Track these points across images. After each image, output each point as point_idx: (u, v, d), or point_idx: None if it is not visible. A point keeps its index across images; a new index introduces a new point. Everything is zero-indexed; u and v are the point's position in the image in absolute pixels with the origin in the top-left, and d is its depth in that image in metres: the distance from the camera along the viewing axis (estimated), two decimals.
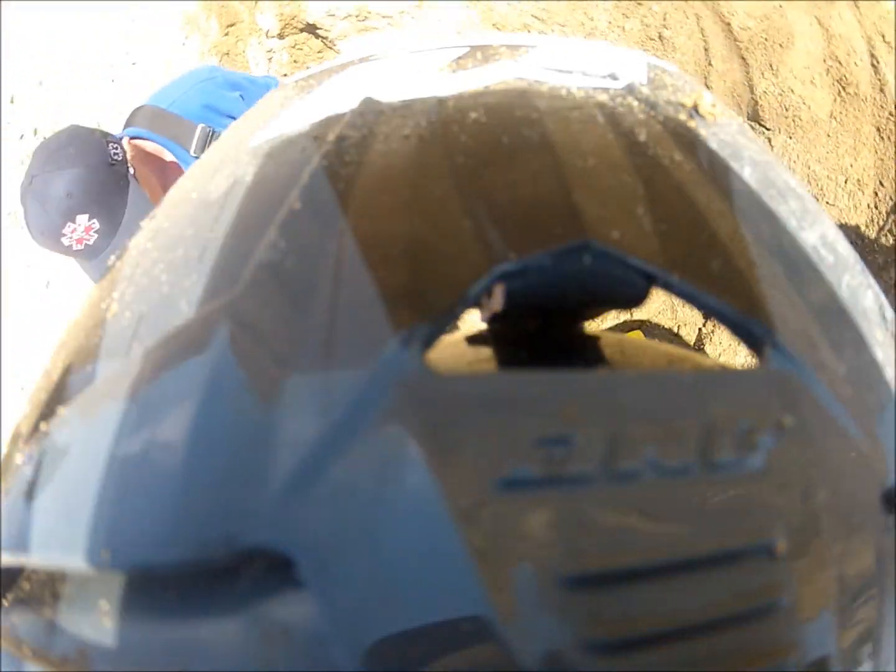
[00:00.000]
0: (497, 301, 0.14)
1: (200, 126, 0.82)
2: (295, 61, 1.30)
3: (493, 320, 0.18)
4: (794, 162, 1.22)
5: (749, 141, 0.19)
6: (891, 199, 1.19)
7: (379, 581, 0.12)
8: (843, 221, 1.20)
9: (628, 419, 0.13)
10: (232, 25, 1.28)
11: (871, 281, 0.19)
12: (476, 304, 0.14)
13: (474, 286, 0.14)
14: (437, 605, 0.12)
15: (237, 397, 0.13)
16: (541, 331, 0.19)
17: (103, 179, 0.78)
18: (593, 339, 0.21)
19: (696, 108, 0.18)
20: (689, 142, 0.17)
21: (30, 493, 0.14)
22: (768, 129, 1.23)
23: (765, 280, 0.15)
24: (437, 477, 0.12)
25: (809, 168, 1.22)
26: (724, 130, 0.18)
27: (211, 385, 0.13)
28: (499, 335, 0.20)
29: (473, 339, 0.21)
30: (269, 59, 1.31)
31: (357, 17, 1.27)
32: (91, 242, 0.78)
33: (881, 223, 1.20)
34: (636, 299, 0.16)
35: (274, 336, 0.13)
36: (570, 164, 0.15)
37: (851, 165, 1.20)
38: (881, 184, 1.19)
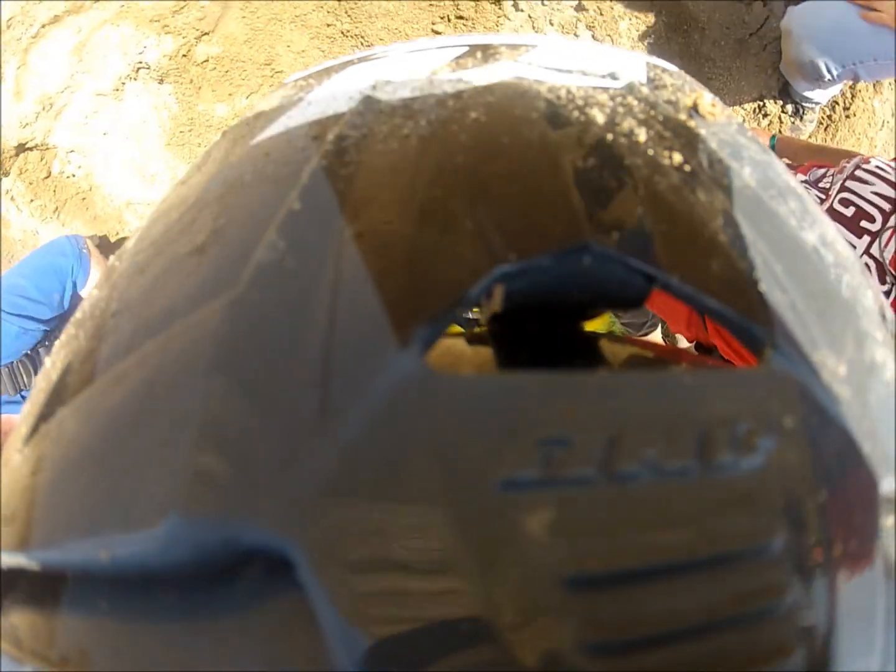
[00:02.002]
0: (497, 301, 0.14)
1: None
2: None
3: (493, 320, 0.18)
4: None
5: (749, 141, 0.19)
6: None
7: (379, 582, 0.12)
8: None
9: (627, 421, 0.13)
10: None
11: (871, 281, 0.19)
12: (476, 304, 0.14)
13: (474, 287, 0.14)
14: (438, 606, 0.12)
15: (237, 399, 0.13)
16: (541, 331, 0.19)
17: None
18: (593, 340, 0.21)
19: (695, 107, 0.18)
20: (689, 142, 0.17)
21: (29, 494, 0.14)
22: None
23: (765, 280, 0.15)
24: (438, 478, 0.12)
25: None
26: (724, 130, 0.18)
27: (210, 387, 0.13)
28: (499, 335, 0.19)
29: (473, 339, 0.21)
30: None
31: None
32: None
33: None
34: (636, 300, 0.16)
35: (273, 337, 0.13)
36: (570, 165, 0.15)
37: None
38: None
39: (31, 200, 1.21)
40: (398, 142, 0.16)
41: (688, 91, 0.19)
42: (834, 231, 0.18)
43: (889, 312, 0.18)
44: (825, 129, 1.38)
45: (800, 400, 0.14)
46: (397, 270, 0.14)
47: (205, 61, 1.18)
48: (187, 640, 0.12)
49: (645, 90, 0.18)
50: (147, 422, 0.13)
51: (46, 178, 1.21)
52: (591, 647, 0.12)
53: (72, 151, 1.21)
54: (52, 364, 0.17)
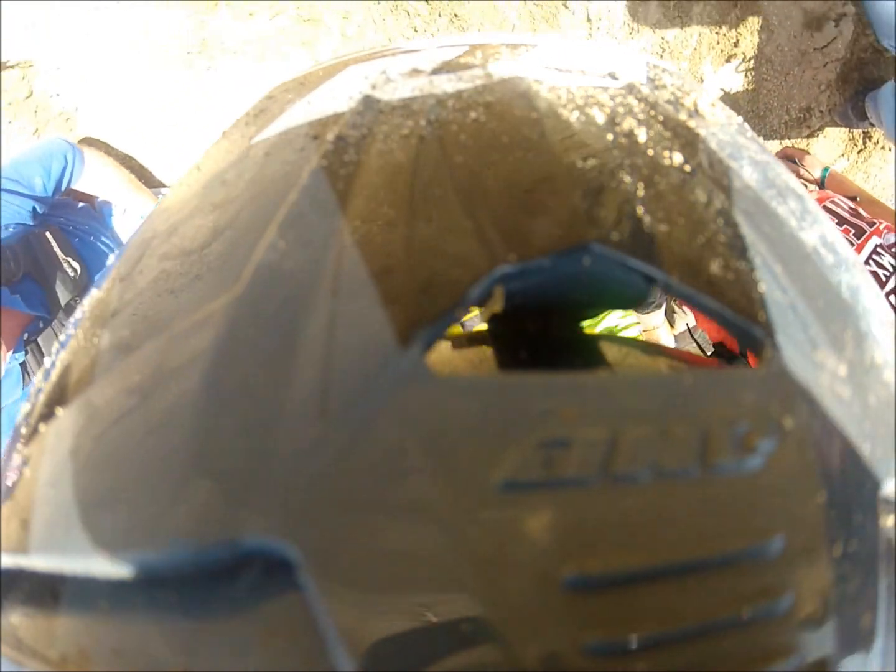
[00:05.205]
0: (497, 301, 0.14)
1: None
2: None
3: (493, 320, 0.18)
4: None
5: (749, 141, 0.19)
6: None
7: (379, 582, 0.12)
8: None
9: (627, 421, 0.13)
10: None
11: (871, 281, 0.18)
12: (477, 304, 0.14)
13: (474, 288, 0.13)
14: (437, 606, 0.12)
15: (238, 402, 0.13)
16: (541, 331, 0.19)
17: None
18: (593, 340, 0.21)
19: (695, 107, 0.18)
20: (689, 142, 0.17)
21: (29, 495, 0.14)
22: None
23: (765, 281, 0.15)
24: (438, 479, 0.12)
25: None
26: (723, 130, 0.18)
27: (210, 389, 0.13)
28: (499, 335, 0.19)
29: (473, 339, 0.22)
30: None
31: None
32: None
33: None
34: (636, 300, 0.16)
35: (273, 338, 0.13)
36: (570, 165, 0.15)
37: None
38: None
39: (10, 122, 1.14)
40: (398, 142, 0.16)
41: (688, 91, 0.19)
42: (834, 231, 0.18)
43: (889, 313, 0.18)
44: (858, 153, 1.42)
45: (800, 401, 0.14)
46: (397, 271, 0.14)
47: None
48: (187, 640, 0.12)
49: (645, 90, 0.18)
50: (147, 425, 0.13)
51: (28, 97, 1.14)
52: (590, 647, 0.12)
53: (58, 69, 1.12)
54: (52, 364, 0.17)
